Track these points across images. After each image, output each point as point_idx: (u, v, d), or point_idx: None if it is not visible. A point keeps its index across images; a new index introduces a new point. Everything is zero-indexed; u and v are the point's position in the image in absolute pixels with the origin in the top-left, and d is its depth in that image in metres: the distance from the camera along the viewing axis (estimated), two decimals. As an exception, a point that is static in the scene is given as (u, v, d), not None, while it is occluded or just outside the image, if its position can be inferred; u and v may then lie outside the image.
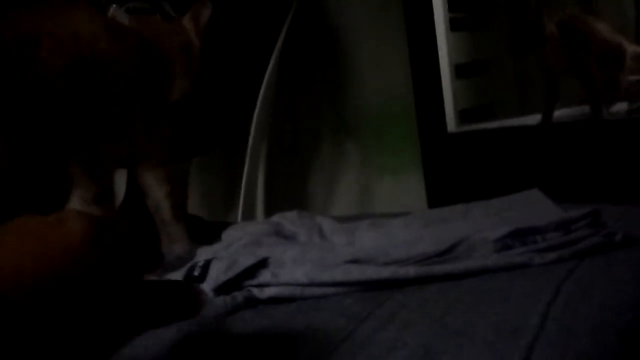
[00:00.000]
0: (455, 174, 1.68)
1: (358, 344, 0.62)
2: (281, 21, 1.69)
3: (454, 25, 1.77)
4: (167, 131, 1.07)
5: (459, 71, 1.80)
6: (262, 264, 0.80)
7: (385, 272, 0.75)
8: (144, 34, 1.05)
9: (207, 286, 0.81)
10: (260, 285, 0.77)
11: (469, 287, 0.71)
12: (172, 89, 1.09)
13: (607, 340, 0.56)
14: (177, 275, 0.86)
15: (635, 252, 0.75)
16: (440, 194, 1.64)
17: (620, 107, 1.68)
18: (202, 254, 0.93)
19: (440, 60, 1.73)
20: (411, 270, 0.75)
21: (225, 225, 1.10)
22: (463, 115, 1.80)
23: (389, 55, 1.83)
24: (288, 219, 1.02)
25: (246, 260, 0.81)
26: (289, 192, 1.90)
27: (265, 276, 0.78)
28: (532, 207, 0.93)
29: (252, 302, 0.76)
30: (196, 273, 0.85)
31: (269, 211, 1.64)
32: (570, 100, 1.76)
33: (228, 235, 1.00)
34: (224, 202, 1.99)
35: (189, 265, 0.88)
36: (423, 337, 0.60)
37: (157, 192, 1.03)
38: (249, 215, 1.66)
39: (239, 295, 0.76)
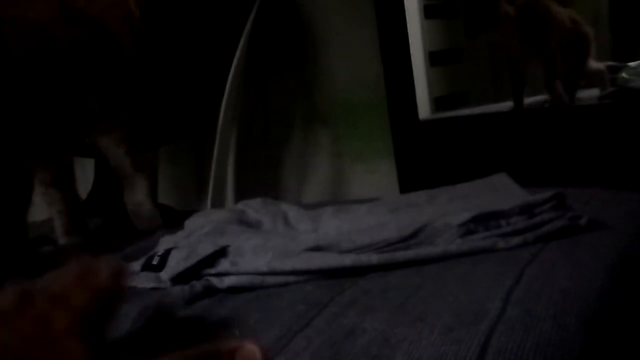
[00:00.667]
0: (427, 161, 1.67)
1: (317, 331, 0.60)
2: (249, 6, 1.66)
3: (428, 12, 1.76)
4: (122, 97, 1.12)
5: (433, 59, 1.78)
6: (222, 252, 0.79)
7: (347, 260, 0.73)
8: (91, 9, 1.07)
9: (165, 275, 0.79)
10: (220, 275, 0.76)
11: (431, 273, 0.70)
12: (122, 58, 1.11)
13: (569, 324, 0.55)
14: (136, 265, 0.84)
15: (600, 236, 0.75)
16: (412, 181, 1.63)
17: (592, 92, 1.68)
18: (163, 243, 0.91)
19: (414, 48, 1.72)
20: (373, 258, 0.73)
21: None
22: (438, 103, 1.79)
23: (360, 42, 1.81)
24: (252, 207, 1.01)
25: (205, 249, 0.79)
26: (260, 181, 1.88)
27: (224, 265, 0.77)
28: (498, 192, 0.92)
29: (211, 291, 0.74)
30: (155, 262, 0.83)
31: (240, 200, 1.61)
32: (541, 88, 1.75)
33: (191, 223, 0.98)
34: (194, 191, 1.96)
35: (148, 255, 0.86)
36: (382, 323, 0.58)
37: (116, 151, 1.11)
38: (218, 205, 1.64)
39: (198, 284, 0.74)
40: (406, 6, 1.67)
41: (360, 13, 1.79)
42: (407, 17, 1.67)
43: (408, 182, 1.65)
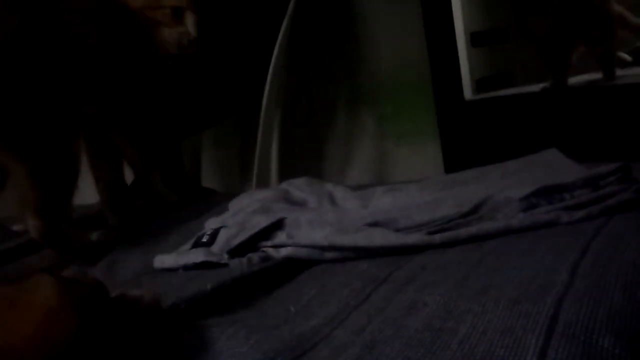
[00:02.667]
0: (472, 141, 1.64)
1: (375, 307, 0.59)
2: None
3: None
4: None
5: (474, 39, 1.75)
6: (278, 225, 0.78)
7: (410, 239, 0.72)
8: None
9: (216, 248, 0.79)
10: (276, 246, 0.75)
11: (492, 248, 0.68)
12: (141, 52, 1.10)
13: (640, 296, 0.53)
14: (186, 247, 0.84)
15: (667, 208, 0.72)
16: (457, 162, 1.60)
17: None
18: (210, 224, 0.90)
19: (456, 29, 1.69)
20: (436, 237, 0.71)
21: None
22: (480, 84, 1.76)
23: (403, 22, 1.79)
24: (297, 186, 0.99)
25: (261, 221, 0.78)
26: (303, 162, 1.86)
27: (280, 237, 0.76)
28: (551, 166, 0.89)
29: (268, 264, 0.73)
30: (205, 240, 0.82)
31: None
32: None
33: (235, 204, 0.98)
34: (238, 174, 1.96)
35: (197, 234, 0.85)
36: (444, 297, 0.57)
37: (130, 151, 1.14)
38: (262, 187, 1.63)
39: (255, 257, 0.74)
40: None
41: (404, -7, 1.77)
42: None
43: (454, 163, 1.62)
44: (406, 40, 1.80)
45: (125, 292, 0.55)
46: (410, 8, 1.73)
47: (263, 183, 1.63)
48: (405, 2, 1.77)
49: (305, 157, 1.89)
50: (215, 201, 1.12)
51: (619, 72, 1.65)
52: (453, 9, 1.68)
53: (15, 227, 1.07)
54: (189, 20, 1.08)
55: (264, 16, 1.63)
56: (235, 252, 0.75)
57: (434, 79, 1.68)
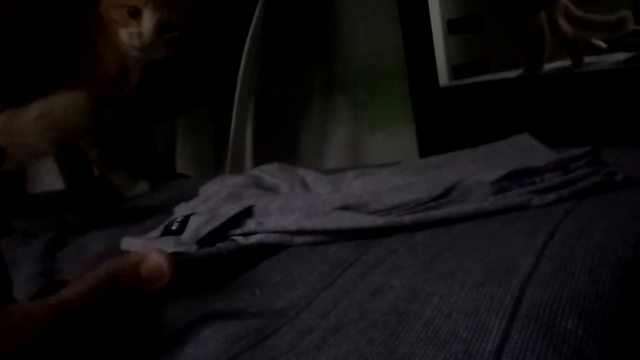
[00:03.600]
0: (447, 128, 1.65)
1: (342, 290, 0.58)
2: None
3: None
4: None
5: (451, 26, 1.75)
6: (247, 213, 0.77)
7: (379, 220, 0.71)
8: None
9: (186, 237, 0.78)
10: (246, 234, 0.74)
11: (461, 231, 0.68)
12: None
13: (605, 279, 0.53)
14: (155, 233, 0.82)
15: (635, 192, 0.72)
16: (432, 146, 1.61)
17: (619, 57, 1.64)
18: (180, 210, 0.89)
19: (433, 16, 1.69)
20: (406, 218, 0.71)
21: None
22: (457, 71, 1.76)
23: (379, 8, 1.78)
24: (268, 172, 0.98)
25: (230, 210, 0.77)
26: (278, 148, 1.86)
27: (250, 225, 0.75)
28: (522, 151, 0.89)
29: (237, 252, 0.72)
30: (174, 227, 0.81)
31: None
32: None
33: (206, 189, 0.96)
34: (212, 160, 1.95)
35: (167, 221, 0.84)
36: (410, 280, 0.57)
37: (91, 151, 1.17)
38: (236, 172, 1.62)
39: (223, 246, 0.73)
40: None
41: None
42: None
43: (428, 149, 1.62)
44: (382, 26, 1.80)
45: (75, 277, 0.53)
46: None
47: (237, 168, 1.63)
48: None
49: (279, 142, 1.89)
50: (190, 187, 1.11)
51: (593, 59, 1.67)
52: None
53: None
54: (146, 20, 1.06)
55: (238, 1, 1.62)
56: (204, 241, 0.74)
57: (409, 66, 1.68)
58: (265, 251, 0.72)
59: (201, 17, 1.15)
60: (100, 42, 1.10)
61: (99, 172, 1.20)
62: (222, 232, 0.76)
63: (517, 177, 0.74)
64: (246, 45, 1.59)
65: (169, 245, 0.77)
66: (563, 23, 1.65)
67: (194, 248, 0.75)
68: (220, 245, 0.74)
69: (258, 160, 1.75)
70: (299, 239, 0.73)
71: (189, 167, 1.94)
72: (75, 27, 1.08)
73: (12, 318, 0.42)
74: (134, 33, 1.07)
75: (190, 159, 1.97)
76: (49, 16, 1.06)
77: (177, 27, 1.10)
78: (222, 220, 0.76)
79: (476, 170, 0.81)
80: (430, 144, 1.64)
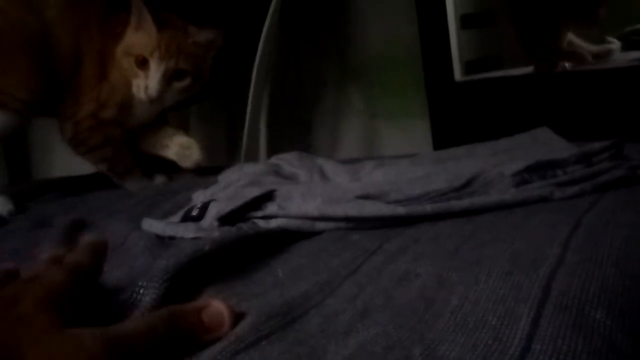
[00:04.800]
0: (462, 123, 1.64)
1: (367, 276, 0.58)
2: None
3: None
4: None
5: (464, 21, 1.75)
6: (269, 196, 0.77)
7: (401, 209, 0.71)
8: None
9: (206, 223, 0.78)
10: (266, 217, 0.74)
11: (484, 222, 0.68)
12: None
13: (632, 272, 0.53)
14: (175, 219, 0.83)
15: (658, 186, 0.72)
16: (446, 140, 1.61)
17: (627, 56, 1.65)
18: (199, 197, 0.89)
19: (447, 10, 1.69)
20: (428, 207, 0.71)
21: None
22: (469, 66, 1.76)
23: (395, 0, 1.78)
24: (287, 161, 0.99)
25: (252, 192, 0.77)
26: (292, 138, 1.86)
27: (271, 209, 0.75)
28: (542, 144, 0.89)
29: (258, 234, 0.72)
30: (194, 213, 0.81)
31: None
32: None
33: (225, 177, 0.96)
34: (226, 150, 1.95)
35: (186, 208, 0.84)
36: (436, 268, 0.57)
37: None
38: (251, 161, 1.62)
39: (244, 226, 0.73)
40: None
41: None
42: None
43: (442, 142, 1.62)
44: (397, 19, 1.79)
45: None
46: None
47: (252, 158, 1.63)
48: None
49: (293, 133, 1.89)
50: (204, 175, 1.11)
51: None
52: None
53: None
54: (152, 72, 1.06)
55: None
56: (226, 220, 0.74)
57: (424, 59, 1.68)
58: (287, 236, 0.72)
59: (218, 8, 1.15)
60: (110, 64, 1.10)
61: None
62: (242, 213, 0.76)
63: (538, 169, 0.74)
64: (262, 36, 1.59)
65: (190, 230, 0.77)
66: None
67: (215, 225, 0.75)
68: (241, 225, 0.74)
69: (272, 150, 1.75)
70: (320, 225, 0.73)
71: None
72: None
73: (64, 345, 0.41)
74: (141, 86, 1.07)
75: (203, 149, 1.97)
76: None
77: (189, 73, 1.09)
78: (245, 199, 0.76)
79: (496, 162, 0.81)
80: (445, 137, 1.64)
